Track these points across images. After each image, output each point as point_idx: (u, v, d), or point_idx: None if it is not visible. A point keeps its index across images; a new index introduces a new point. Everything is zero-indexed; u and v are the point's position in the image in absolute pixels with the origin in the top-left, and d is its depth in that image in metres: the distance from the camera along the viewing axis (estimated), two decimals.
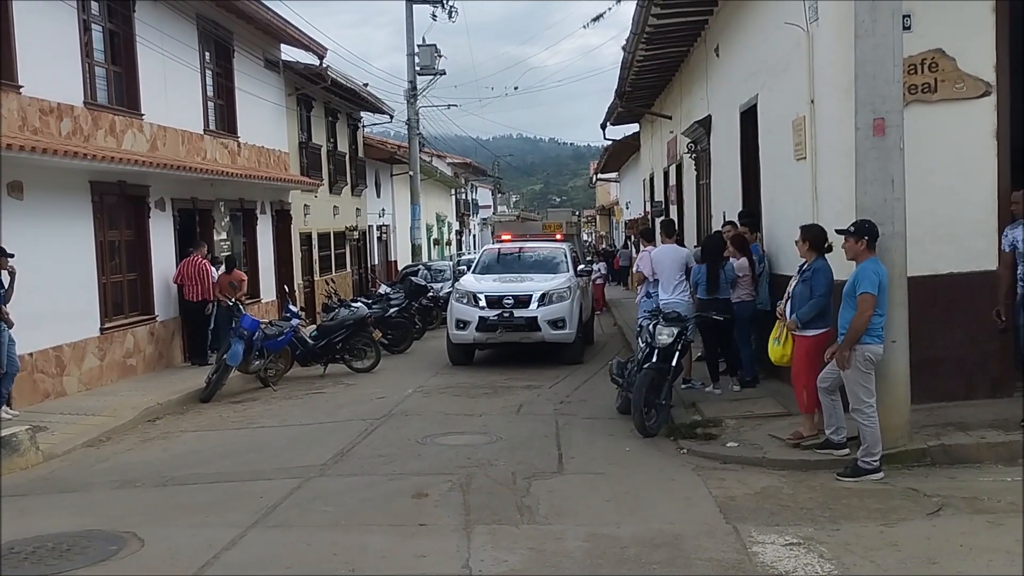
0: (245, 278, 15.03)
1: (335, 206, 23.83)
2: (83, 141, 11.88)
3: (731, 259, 9.89)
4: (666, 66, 16.19)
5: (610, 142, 29.19)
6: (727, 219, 10.84)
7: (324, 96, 22.31)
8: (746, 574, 4.95)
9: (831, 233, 7.23)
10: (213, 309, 13.81)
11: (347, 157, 25.10)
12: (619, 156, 32.47)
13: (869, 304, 6.49)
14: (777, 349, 7.69)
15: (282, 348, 12.82)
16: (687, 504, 6.31)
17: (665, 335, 8.73)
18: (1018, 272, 7.34)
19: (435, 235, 41.94)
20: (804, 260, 7.51)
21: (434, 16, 28.56)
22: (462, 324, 13.54)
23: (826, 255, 7.38)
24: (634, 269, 15.89)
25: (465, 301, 13.67)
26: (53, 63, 11.46)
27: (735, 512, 6.01)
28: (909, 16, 7.59)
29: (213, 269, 14.23)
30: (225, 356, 11.70)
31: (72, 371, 11.53)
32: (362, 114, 26.89)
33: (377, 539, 5.73)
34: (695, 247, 12.23)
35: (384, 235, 31.17)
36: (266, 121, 18.90)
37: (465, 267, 18.60)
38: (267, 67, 19.07)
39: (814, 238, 7.38)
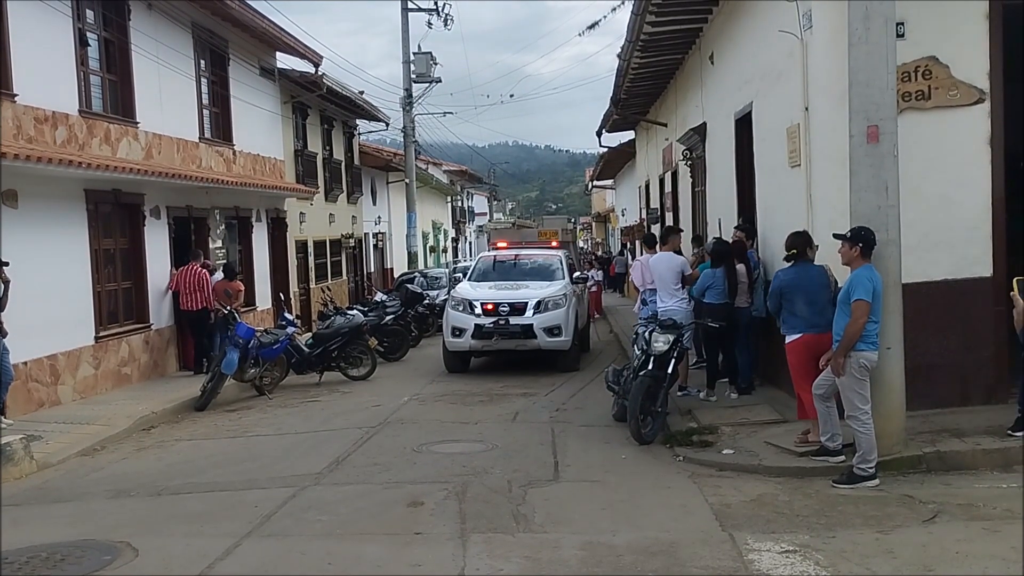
0: (242, 288, 15.00)
1: (331, 214, 23.82)
2: (78, 149, 11.87)
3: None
4: (661, 74, 16.22)
5: (606, 149, 29.26)
6: (738, 224, 10.85)
7: (320, 104, 22.32)
8: None
9: (829, 238, 7.24)
10: (214, 317, 13.73)
11: (343, 165, 25.10)
12: (615, 163, 32.51)
13: (863, 311, 6.50)
14: None
15: (278, 356, 12.79)
16: (683, 512, 6.31)
17: (661, 342, 8.73)
18: None
19: (431, 242, 41.95)
20: None
21: (429, 24, 28.71)
22: (458, 331, 13.54)
23: (804, 261, 7.43)
24: (629, 278, 15.88)
25: (461, 308, 13.67)
26: (48, 71, 11.45)
27: (731, 519, 6.00)
28: (902, 24, 7.63)
29: (211, 277, 14.18)
30: (220, 364, 11.68)
31: (66, 380, 11.50)
32: (358, 122, 26.91)
33: (372, 548, 5.71)
34: (695, 251, 12.20)
35: (380, 243, 31.16)
36: (261, 129, 18.91)
37: (461, 274, 18.59)
38: (262, 75, 19.09)
39: (786, 244, 7.52)
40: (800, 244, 7.46)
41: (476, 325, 13.31)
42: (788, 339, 7.44)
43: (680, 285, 10.21)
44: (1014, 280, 7.12)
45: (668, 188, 18.43)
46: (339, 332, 13.53)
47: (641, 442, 8.33)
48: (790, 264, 7.47)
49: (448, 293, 16.46)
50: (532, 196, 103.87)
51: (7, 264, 9.50)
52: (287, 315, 14.06)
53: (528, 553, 5.48)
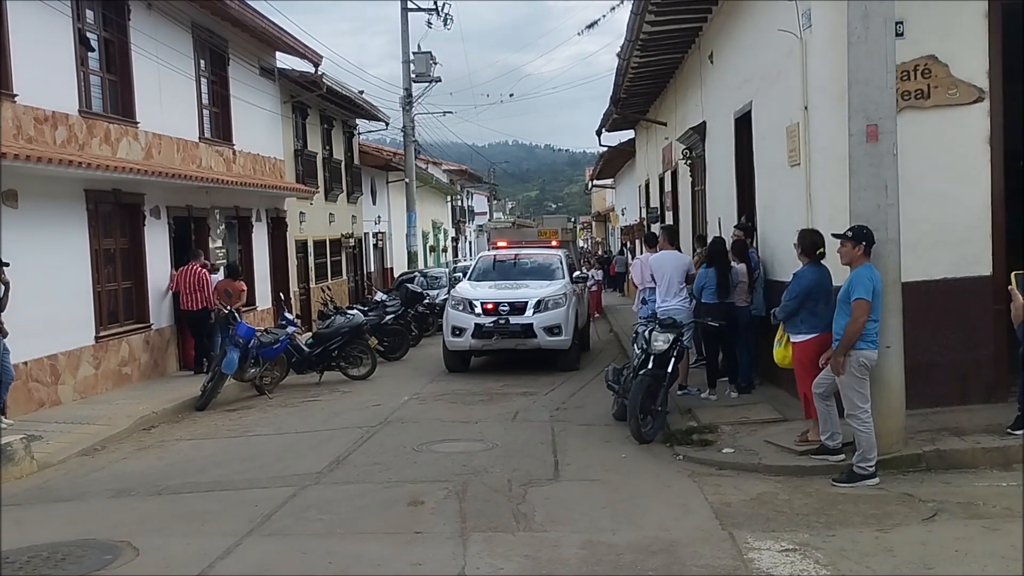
0: (245, 288, 15.01)
1: (331, 213, 23.83)
2: (78, 149, 11.87)
3: (734, 263, 9.91)
4: (661, 73, 16.22)
5: (605, 148, 29.25)
6: (738, 223, 10.86)
7: (319, 103, 22.33)
8: None
9: (828, 238, 7.25)
10: (215, 316, 13.71)
11: (343, 164, 25.11)
12: (614, 162, 32.50)
13: (863, 310, 6.50)
14: (779, 351, 7.77)
15: (278, 356, 12.79)
16: (683, 510, 6.31)
17: (661, 341, 8.73)
18: None
19: (431, 242, 41.96)
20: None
21: (429, 23, 28.72)
22: (458, 331, 13.54)
23: (821, 261, 7.38)
24: (629, 277, 15.88)
25: (461, 308, 13.68)
26: (48, 71, 11.45)
27: (731, 518, 6.01)
28: (902, 23, 7.63)
29: (211, 276, 14.17)
30: (220, 364, 11.68)
31: (67, 380, 11.50)
32: (358, 121, 26.92)
33: (372, 547, 5.72)
34: (698, 251, 12.21)
35: (380, 242, 31.16)
36: (261, 129, 18.91)
37: (461, 274, 18.60)
38: (262, 75, 19.09)
39: (807, 244, 7.37)
40: (824, 242, 7.35)
41: (476, 324, 13.32)
42: (800, 338, 7.32)
43: (684, 284, 10.24)
44: (1012, 275, 7.12)
45: (668, 187, 18.43)
46: (339, 332, 13.54)
47: (641, 441, 8.33)
48: (808, 264, 7.35)
49: (448, 293, 16.47)
50: (532, 195, 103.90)
51: (7, 265, 9.50)
52: (287, 315, 14.06)
53: (528, 552, 5.49)
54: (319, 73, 20.50)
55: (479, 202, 64.22)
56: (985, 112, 8.02)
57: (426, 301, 19.42)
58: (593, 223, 58.23)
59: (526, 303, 13.39)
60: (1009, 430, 7.14)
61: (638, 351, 9.15)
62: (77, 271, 11.90)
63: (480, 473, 7.47)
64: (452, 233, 50.82)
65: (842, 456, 6.96)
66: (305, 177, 21.34)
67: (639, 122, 22.07)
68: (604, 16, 25.40)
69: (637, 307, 11.66)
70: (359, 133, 27.94)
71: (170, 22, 14.69)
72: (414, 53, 28.09)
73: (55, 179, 11.16)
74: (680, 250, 11.27)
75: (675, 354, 8.84)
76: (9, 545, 5.84)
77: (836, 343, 6.68)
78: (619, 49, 14.57)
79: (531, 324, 13.22)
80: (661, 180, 19.55)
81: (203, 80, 16.42)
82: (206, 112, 16.53)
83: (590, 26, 21.00)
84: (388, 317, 15.97)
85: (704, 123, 13.60)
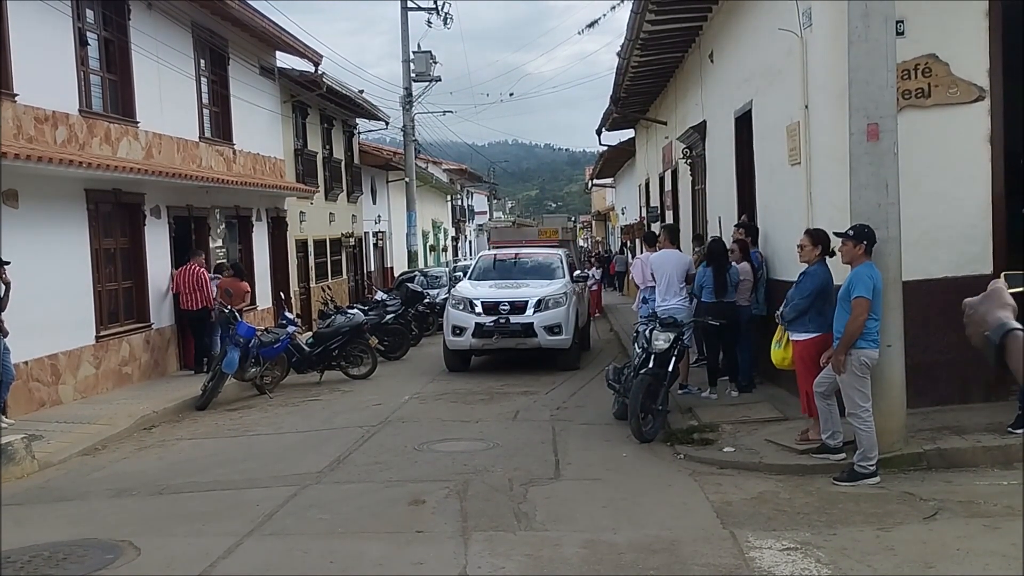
0: (248, 289, 14.98)
1: (331, 213, 23.83)
2: (78, 149, 11.87)
3: (733, 263, 9.91)
4: (661, 72, 16.23)
5: (605, 148, 29.23)
6: (739, 222, 10.85)
7: (320, 103, 22.32)
8: None
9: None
10: (215, 316, 13.69)
11: (343, 164, 25.11)
12: (615, 162, 32.48)
13: (863, 308, 6.50)
14: (778, 352, 7.74)
15: (278, 355, 12.78)
16: (684, 509, 6.31)
17: (662, 340, 8.73)
18: None
19: (431, 241, 41.95)
20: (807, 264, 7.48)
21: (429, 23, 28.73)
22: (458, 330, 13.54)
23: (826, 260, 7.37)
24: (629, 276, 15.85)
25: (461, 307, 13.68)
26: (48, 71, 11.45)
27: (732, 517, 6.01)
28: (902, 22, 7.64)
29: (210, 276, 14.18)
30: (221, 364, 11.68)
31: (67, 380, 11.50)
32: (358, 121, 26.91)
33: (374, 547, 5.72)
34: (696, 250, 12.21)
35: (380, 242, 31.16)
36: (261, 128, 18.91)
37: (461, 273, 18.60)
38: (262, 74, 19.09)
39: (827, 241, 7.29)
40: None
41: (477, 324, 13.32)
42: (804, 337, 7.31)
43: (684, 283, 10.24)
44: (1002, 275, 7.10)
45: (668, 186, 18.43)
46: (339, 331, 13.54)
47: (642, 440, 8.33)
48: (817, 263, 7.31)
49: (448, 292, 16.47)
50: (532, 195, 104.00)
51: (8, 264, 9.51)
52: (287, 314, 14.05)
53: (530, 551, 5.49)
54: (319, 72, 20.50)
55: (479, 201, 64.23)
56: (986, 111, 8.02)
57: (426, 300, 19.42)
58: (593, 222, 58.23)
59: (526, 302, 13.39)
60: (1010, 428, 7.15)
61: (639, 350, 9.15)
62: (77, 271, 11.89)
63: (481, 472, 7.47)
64: (452, 232, 50.82)
65: (843, 455, 6.97)
66: (305, 177, 21.33)
67: (639, 121, 22.06)
68: (604, 15, 25.58)
69: (637, 306, 11.67)
70: (359, 132, 27.93)
71: (170, 22, 14.68)
72: (414, 52, 28.10)
73: (55, 179, 11.16)
74: (680, 249, 11.27)
75: (676, 353, 8.84)
76: (10, 545, 5.84)
77: (837, 342, 6.68)
78: (619, 48, 14.57)
79: (531, 323, 13.22)
80: (661, 179, 19.54)
81: (203, 80, 16.42)
82: (206, 112, 16.53)
83: (590, 25, 21.13)
84: (388, 316, 15.97)
85: (704, 122, 13.59)
